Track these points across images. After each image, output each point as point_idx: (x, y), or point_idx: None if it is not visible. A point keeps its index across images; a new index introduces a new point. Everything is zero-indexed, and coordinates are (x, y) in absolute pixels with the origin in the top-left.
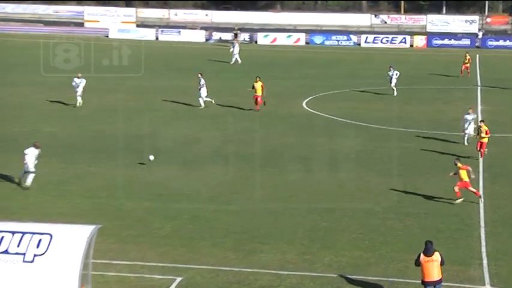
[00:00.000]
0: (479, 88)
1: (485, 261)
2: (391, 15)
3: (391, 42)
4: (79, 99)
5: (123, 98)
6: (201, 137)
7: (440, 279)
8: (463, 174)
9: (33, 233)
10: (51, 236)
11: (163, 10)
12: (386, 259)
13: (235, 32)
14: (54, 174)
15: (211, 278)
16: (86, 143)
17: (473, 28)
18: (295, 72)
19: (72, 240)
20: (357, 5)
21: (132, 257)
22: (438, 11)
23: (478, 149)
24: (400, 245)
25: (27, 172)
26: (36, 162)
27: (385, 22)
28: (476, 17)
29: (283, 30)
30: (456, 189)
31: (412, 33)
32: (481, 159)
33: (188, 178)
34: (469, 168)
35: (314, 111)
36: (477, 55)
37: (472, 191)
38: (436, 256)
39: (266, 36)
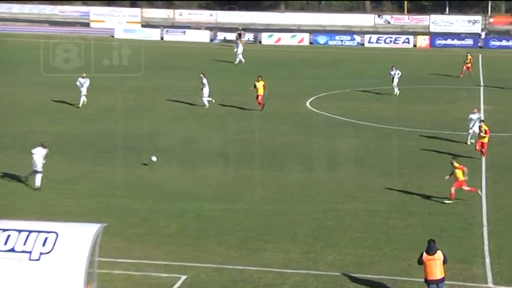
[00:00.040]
0: (482, 88)
1: (488, 260)
2: (394, 16)
3: (394, 42)
4: (83, 99)
5: (127, 98)
6: (204, 136)
7: (443, 277)
8: (459, 173)
9: (39, 232)
10: (57, 234)
11: (168, 10)
12: (389, 257)
13: (238, 32)
14: (59, 173)
15: (215, 276)
16: (92, 142)
17: (476, 28)
18: (299, 72)
19: (78, 238)
20: (361, 6)
21: (137, 255)
22: (441, 11)
23: (478, 148)
24: (404, 244)
25: (35, 172)
26: (44, 162)
27: (389, 22)
28: (479, 17)
29: (287, 30)
30: (452, 190)
31: (415, 34)
32: (483, 159)
33: (193, 177)
34: (465, 169)
35: (318, 111)
36: (480, 55)
37: (467, 190)
38: (439, 255)
39: (270, 36)
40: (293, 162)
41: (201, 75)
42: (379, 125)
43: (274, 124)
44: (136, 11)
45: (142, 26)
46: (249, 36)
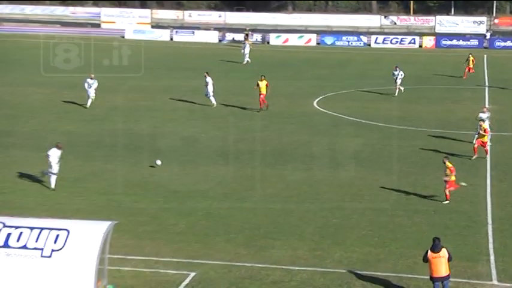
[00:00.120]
0: (487, 88)
1: (492, 258)
2: (400, 16)
3: (400, 43)
4: (91, 100)
5: (136, 98)
6: (213, 135)
7: (448, 275)
8: (448, 172)
9: (51, 229)
10: (68, 231)
11: (178, 11)
12: (395, 255)
13: (246, 32)
14: (70, 171)
15: (224, 273)
16: (102, 141)
17: (481, 29)
18: (306, 72)
19: (88, 235)
20: (367, 6)
21: (147, 252)
22: (447, 12)
23: (477, 146)
24: (409, 242)
25: (51, 173)
26: (59, 163)
27: (395, 23)
28: (484, 18)
29: (294, 31)
30: (447, 191)
31: (421, 34)
32: (488, 158)
33: (202, 176)
34: (454, 172)
35: (325, 111)
36: (485, 56)
37: (452, 189)
38: (444, 252)
39: (278, 37)
40: (300, 161)
41: (205, 74)
42: (385, 124)
43: (281, 123)
44: (146, 12)
45: (152, 26)
46: (257, 37)
